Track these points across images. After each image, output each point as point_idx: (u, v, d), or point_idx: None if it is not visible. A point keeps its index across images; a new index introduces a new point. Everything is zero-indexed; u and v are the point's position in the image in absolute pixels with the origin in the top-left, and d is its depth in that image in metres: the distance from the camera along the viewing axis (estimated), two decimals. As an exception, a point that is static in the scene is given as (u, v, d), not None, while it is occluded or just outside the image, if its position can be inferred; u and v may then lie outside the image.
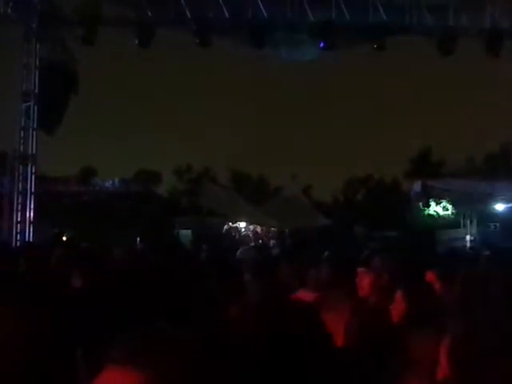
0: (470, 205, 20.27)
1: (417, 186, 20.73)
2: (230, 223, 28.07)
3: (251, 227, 27.81)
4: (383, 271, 4.97)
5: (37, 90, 14.20)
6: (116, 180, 25.44)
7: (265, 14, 14.19)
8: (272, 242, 24.40)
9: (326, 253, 6.50)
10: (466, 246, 19.13)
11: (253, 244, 21.95)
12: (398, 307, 3.37)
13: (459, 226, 20.54)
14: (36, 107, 14.23)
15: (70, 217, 21.03)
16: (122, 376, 1.00)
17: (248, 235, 27.00)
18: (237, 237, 26.41)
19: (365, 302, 4.59)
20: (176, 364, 1.02)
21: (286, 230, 25.30)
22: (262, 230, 27.35)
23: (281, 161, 46.75)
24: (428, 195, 20.02)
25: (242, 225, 28.02)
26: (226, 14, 14.13)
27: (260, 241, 25.15)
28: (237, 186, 39.43)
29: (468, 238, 19.91)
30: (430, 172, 33.85)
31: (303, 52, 15.14)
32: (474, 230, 20.07)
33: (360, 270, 5.01)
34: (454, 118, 53.18)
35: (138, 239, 20.02)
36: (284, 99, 57.19)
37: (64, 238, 17.24)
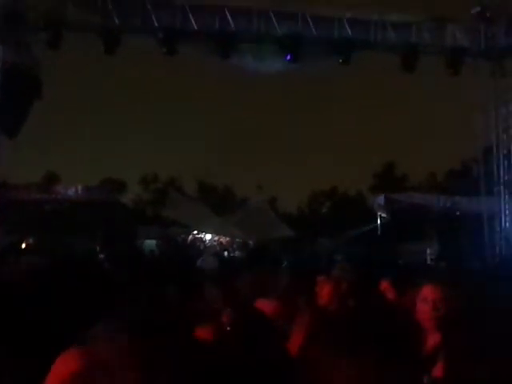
0: (431, 219, 20.72)
1: (380, 199, 21.09)
2: (195, 233, 27.96)
3: (216, 238, 27.76)
4: (343, 280, 5.03)
5: (-1, 93, 13.92)
6: (79, 187, 25.01)
7: (232, 25, 14.29)
8: (237, 252, 24.37)
9: (286, 262, 6.54)
10: (426, 259, 19.50)
11: (217, 253, 21.90)
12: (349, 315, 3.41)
13: (420, 239, 20.91)
14: (-3, 111, 13.93)
15: (31, 225, 20.59)
16: None
17: (213, 246, 26.92)
18: (201, 247, 26.29)
19: (324, 310, 4.63)
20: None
21: (251, 241, 25.33)
22: (227, 240, 27.33)
23: (247, 172, 46.96)
24: (391, 208, 20.36)
25: (208, 236, 27.94)
26: (194, 24, 14.18)
27: (225, 251, 25.09)
28: (203, 197, 39.35)
29: (428, 251, 20.29)
30: (394, 186, 34.47)
31: (269, 64, 15.29)
32: (435, 244, 20.46)
33: (320, 278, 5.05)
34: (416, 134, 54.32)
35: (98, 248, 19.70)
36: (250, 111, 57.47)
37: (23, 246, 16.83)
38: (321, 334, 2.93)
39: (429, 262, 19.22)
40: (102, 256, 9.07)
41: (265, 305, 4.29)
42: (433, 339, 2.87)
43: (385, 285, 4.62)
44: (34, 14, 13.81)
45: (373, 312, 3.17)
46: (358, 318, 3.11)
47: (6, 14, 13.70)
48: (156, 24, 14.12)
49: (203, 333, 2.72)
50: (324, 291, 4.99)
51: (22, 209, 22.52)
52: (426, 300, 2.91)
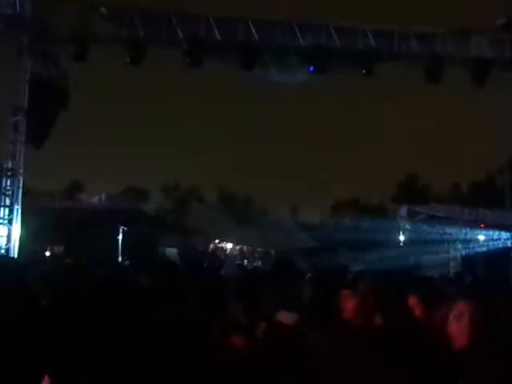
0: (455, 231, 20.48)
1: (402, 210, 20.92)
2: (217, 242, 28.07)
3: (237, 247, 27.82)
4: (368, 294, 4.99)
5: (26, 105, 14.19)
6: (103, 196, 25.34)
7: (256, 37, 14.39)
8: (258, 262, 24.39)
9: (309, 274, 6.51)
10: (449, 271, 19.26)
11: (238, 263, 21.92)
12: (377, 330, 3.40)
13: (443, 251, 20.69)
14: (25, 121, 14.21)
15: (56, 232, 20.89)
16: None
17: (234, 255, 26.99)
18: (222, 256, 26.37)
19: (347, 324, 4.61)
20: None
21: (272, 251, 25.32)
22: (247, 249, 27.37)
23: (268, 182, 46.99)
24: (413, 220, 20.19)
25: (229, 245, 28.02)
26: (218, 35, 14.31)
27: (245, 260, 25.12)
28: (224, 206, 39.46)
29: (452, 264, 20.07)
30: (416, 197, 34.14)
31: (292, 75, 15.33)
32: (458, 257, 20.23)
33: (345, 292, 5.03)
34: (440, 145, 53.86)
35: (121, 257, 19.89)
36: (273, 121, 57.60)
37: (47, 254, 17.07)
38: (354, 351, 2.93)
39: (451, 274, 18.99)
40: (126, 263, 9.14)
41: (287, 317, 4.29)
42: (464, 357, 2.84)
43: (413, 300, 4.58)
44: (62, 26, 14.09)
45: (404, 331, 3.16)
46: (390, 336, 3.11)
47: (34, 26, 14.00)
48: (181, 35, 14.28)
49: (236, 342, 2.74)
50: (349, 305, 4.97)
51: (46, 217, 22.87)
52: (461, 317, 2.87)
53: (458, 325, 2.89)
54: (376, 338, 3.26)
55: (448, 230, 20.63)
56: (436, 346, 2.97)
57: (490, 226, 19.42)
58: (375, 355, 3.06)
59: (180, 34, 14.24)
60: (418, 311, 4.41)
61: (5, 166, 14.29)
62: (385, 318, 3.52)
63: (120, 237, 22.80)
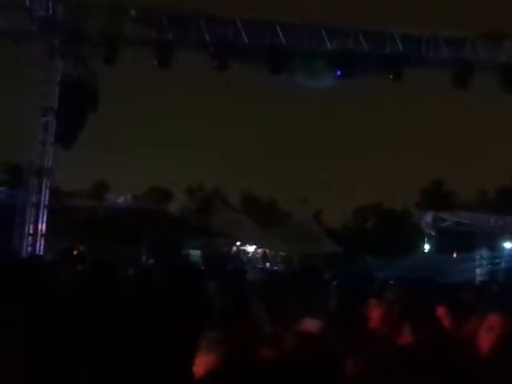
0: (481, 239, 20.19)
1: (427, 216, 20.69)
2: (239, 245, 28.10)
3: (259, 250, 27.81)
4: (394, 304, 4.95)
5: (56, 106, 14.43)
6: (128, 196, 25.60)
7: (283, 41, 14.38)
8: (280, 265, 24.34)
9: (335, 282, 6.49)
10: (475, 279, 18.98)
11: (260, 266, 21.93)
12: (405, 341, 3.37)
13: (469, 259, 20.40)
14: (55, 122, 14.45)
15: (82, 231, 21.15)
16: None
17: (256, 258, 26.98)
18: (245, 259, 26.39)
19: (373, 334, 4.58)
20: None
21: (295, 255, 25.25)
22: (270, 253, 27.34)
23: (291, 185, 46.84)
24: (438, 227, 19.95)
25: (251, 247, 28.03)
26: (245, 39, 14.34)
27: (267, 264, 25.09)
28: (247, 209, 39.50)
29: (478, 271, 19.77)
30: (441, 203, 33.71)
31: (319, 79, 15.29)
32: (485, 264, 19.92)
33: (372, 301, 5.00)
34: (466, 150, 53.08)
35: (145, 257, 20.04)
36: (297, 125, 57.45)
37: (74, 253, 17.28)
38: (383, 362, 2.91)
39: (477, 282, 18.71)
40: (150, 262, 9.22)
41: (312, 324, 4.27)
42: (492, 369, 2.80)
43: (441, 311, 4.53)
44: (92, 29, 14.30)
45: (433, 341, 3.12)
46: (419, 347, 3.08)
47: (66, 29, 14.24)
48: (208, 38, 14.35)
49: (265, 353, 2.74)
50: (375, 314, 4.94)
51: (73, 215, 23.18)
52: (492, 330, 2.84)
53: (487, 337, 2.86)
54: (405, 349, 3.24)
55: (474, 238, 20.34)
56: (465, 358, 2.94)
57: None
58: (404, 367, 3.04)
59: (207, 36, 14.32)
60: (446, 321, 4.36)
61: (34, 165, 14.54)
62: (412, 329, 3.48)
63: (144, 237, 23.02)
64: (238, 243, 28.05)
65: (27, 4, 13.47)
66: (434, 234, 20.05)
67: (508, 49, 15.22)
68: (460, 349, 3.06)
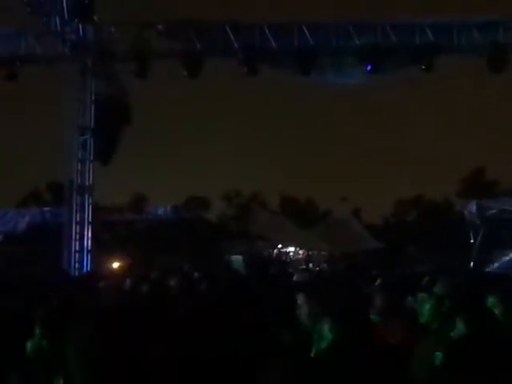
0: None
1: (471, 206, 20.22)
2: (280, 247, 28.08)
3: (301, 251, 27.72)
4: (444, 297, 4.89)
5: (92, 124, 14.78)
6: (168, 207, 25.98)
7: (311, 41, 14.36)
8: (323, 265, 24.20)
9: (379, 280, 6.44)
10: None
11: (304, 267, 21.85)
12: (458, 334, 3.32)
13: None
14: (92, 140, 14.80)
15: (125, 245, 21.56)
16: None
17: (298, 259, 26.90)
18: (287, 261, 26.35)
19: (425, 328, 4.52)
20: None
21: (337, 254, 25.05)
22: (312, 253, 27.21)
23: (329, 184, 46.58)
24: (484, 216, 19.47)
25: (292, 249, 27.97)
26: (273, 43, 14.38)
27: (310, 264, 24.99)
28: (286, 210, 39.45)
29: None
30: (484, 192, 32.91)
31: (350, 75, 15.19)
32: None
33: (420, 295, 4.94)
34: (506, 137, 51.69)
35: (186, 266, 20.21)
36: (330, 124, 57.13)
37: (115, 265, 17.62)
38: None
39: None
40: (196, 275, 9.29)
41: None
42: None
43: (492, 301, 4.45)
44: (122, 45, 14.60)
45: (487, 335, 3.06)
46: (473, 341, 3.02)
47: (96, 49, 14.60)
48: (236, 45, 14.46)
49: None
50: (425, 308, 4.88)
51: (115, 230, 23.64)
52: None
53: None
54: (460, 344, 3.18)
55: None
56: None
57: None
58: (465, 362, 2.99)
59: (235, 43, 14.42)
60: (497, 311, 4.27)
61: (75, 183, 14.90)
62: (465, 322, 3.41)
63: (185, 246, 23.26)
64: (280, 246, 28.03)
65: (58, 28, 13.85)
66: (479, 223, 19.59)
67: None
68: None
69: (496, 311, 4.18)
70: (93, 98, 14.80)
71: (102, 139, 14.79)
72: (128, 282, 6.56)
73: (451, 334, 3.43)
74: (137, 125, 16.85)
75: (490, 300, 4.50)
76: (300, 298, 4.26)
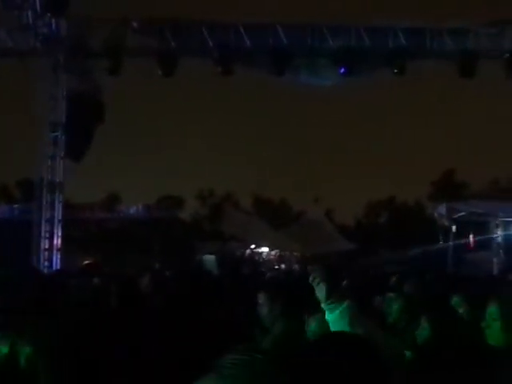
0: (496, 228, 20.04)
1: (441, 208, 20.54)
2: (253, 248, 28.13)
3: (273, 252, 27.81)
4: (412, 297, 4.97)
5: (64, 120, 14.57)
6: (140, 206, 25.78)
7: (285, 42, 14.43)
8: (295, 266, 24.33)
9: (345, 282, 6.50)
10: (492, 269, 18.85)
11: (276, 267, 21.93)
12: (422, 333, 3.38)
13: (485, 249, 20.25)
14: (64, 137, 14.59)
15: (96, 243, 21.32)
16: None
17: (270, 259, 26.99)
18: (260, 261, 26.41)
19: (393, 328, 4.59)
20: None
21: (308, 254, 25.23)
22: (284, 254, 27.34)
23: (302, 185, 46.84)
24: (453, 218, 19.80)
25: (265, 249, 28.04)
26: (248, 42, 14.40)
27: (283, 265, 25.09)
28: (259, 211, 39.56)
29: (495, 260, 19.61)
30: (454, 194, 33.53)
31: (323, 77, 15.31)
32: (501, 253, 19.76)
33: (389, 295, 5.01)
34: (475, 140, 52.75)
35: (157, 265, 20.10)
36: (304, 125, 57.47)
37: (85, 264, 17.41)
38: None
39: (495, 272, 18.57)
40: (167, 274, 9.24)
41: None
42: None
43: (456, 300, 4.54)
44: (96, 41, 14.43)
45: (450, 337, 3.12)
46: (440, 344, 3.07)
47: (69, 44, 14.39)
48: (211, 44, 14.42)
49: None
50: (393, 309, 4.95)
51: (86, 228, 23.37)
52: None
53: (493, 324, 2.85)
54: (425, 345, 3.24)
55: (489, 227, 20.18)
56: (485, 346, 2.93)
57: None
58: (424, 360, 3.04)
59: (210, 43, 14.39)
60: (461, 310, 4.37)
61: (45, 180, 14.66)
62: (429, 321, 3.48)
63: (157, 245, 23.12)
64: (252, 246, 28.09)
65: (30, 21, 13.60)
66: (448, 225, 19.92)
67: (511, 36, 15.16)
68: (477, 338, 3.06)
69: (460, 310, 4.28)
70: (65, 93, 14.59)
71: (74, 136, 14.58)
72: (97, 280, 6.49)
73: (416, 333, 3.49)
74: (111, 122, 16.70)
75: (455, 299, 4.61)
76: (261, 297, 4.30)
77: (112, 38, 14.13)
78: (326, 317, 2.52)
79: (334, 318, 2.46)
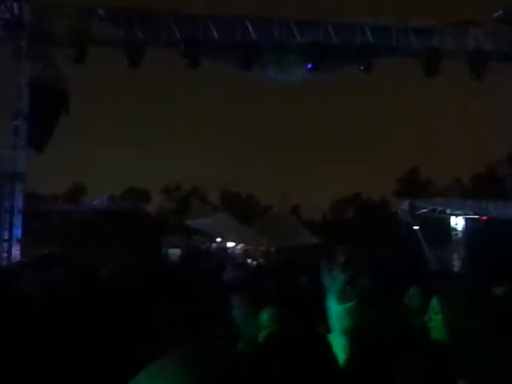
0: (457, 223, 20.51)
1: (404, 204, 20.91)
2: (219, 241, 28.09)
3: (240, 246, 27.84)
4: (365, 291, 5.04)
5: (27, 109, 14.22)
6: (104, 198, 25.41)
7: (253, 35, 14.40)
8: (261, 260, 24.40)
9: (303, 276, 6.58)
10: (453, 265, 19.29)
11: (241, 262, 21.95)
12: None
13: (447, 245, 20.69)
14: (26, 125, 14.24)
15: (58, 236, 20.93)
16: None
17: (237, 254, 27.00)
18: (225, 256, 26.37)
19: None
20: None
21: (273, 249, 25.36)
22: (250, 248, 27.38)
23: (270, 180, 46.99)
24: (415, 214, 20.18)
25: (231, 244, 28.04)
26: (215, 36, 14.33)
27: (249, 259, 25.13)
28: (226, 205, 39.51)
29: (455, 256, 20.06)
30: (418, 191, 34.14)
31: (291, 73, 15.35)
32: (462, 249, 20.23)
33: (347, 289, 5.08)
34: (440, 138, 53.83)
35: (122, 258, 19.85)
36: (273, 119, 57.59)
37: (52, 257, 17.09)
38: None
39: (456, 267, 19.00)
40: (131, 267, 9.16)
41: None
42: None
43: (413, 291, 4.65)
44: (60, 29, 14.12)
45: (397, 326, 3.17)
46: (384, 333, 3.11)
47: (32, 30, 14.04)
48: (178, 36, 14.30)
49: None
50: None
51: (49, 219, 22.93)
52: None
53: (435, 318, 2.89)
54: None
55: (450, 223, 20.63)
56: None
57: (493, 218, 19.41)
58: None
59: (178, 34, 14.26)
60: (417, 301, 4.47)
61: (6, 170, 14.32)
62: (378, 313, 3.52)
63: (121, 238, 22.85)
64: (218, 239, 28.04)
65: (-9, 6, 13.25)
66: (411, 221, 20.28)
67: (475, 37, 15.49)
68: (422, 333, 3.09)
69: (416, 301, 4.39)
70: (27, 81, 14.23)
71: (36, 126, 14.25)
72: (58, 272, 6.39)
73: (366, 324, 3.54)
74: (77, 111, 16.40)
75: (412, 291, 4.72)
76: (235, 299, 4.32)
77: (77, 25, 13.86)
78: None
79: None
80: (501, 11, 15.81)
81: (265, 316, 3.58)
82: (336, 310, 3.20)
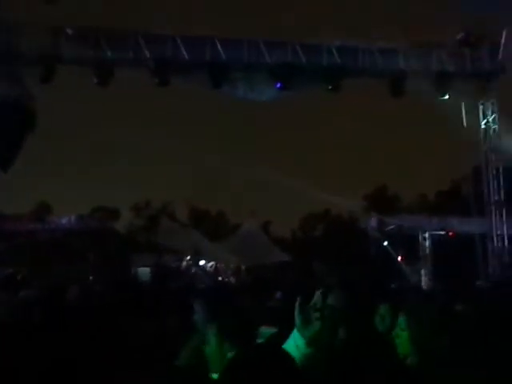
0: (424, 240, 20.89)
1: (372, 221, 21.23)
2: (188, 259, 27.90)
3: (209, 264, 27.70)
4: (335, 308, 5.08)
5: (-8, 127, 13.99)
6: (72, 217, 24.99)
7: (223, 55, 14.54)
8: (231, 278, 24.34)
9: (278, 293, 6.62)
10: (421, 280, 19.60)
11: (211, 280, 21.86)
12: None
13: (414, 260, 21.01)
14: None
15: (24, 256, 20.50)
16: None
17: (206, 272, 26.84)
18: (196, 274, 26.19)
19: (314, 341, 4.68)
20: None
21: (243, 267, 25.33)
22: (221, 266, 27.27)
23: (239, 197, 47.03)
24: (383, 231, 20.50)
25: (201, 262, 27.88)
26: (185, 55, 14.40)
27: (219, 277, 25.03)
28: (195, 222, 39.32)
29: (423, 272, 20.40)
30: (386, 207, 34.64)
31: (260, 92, 15.52)
32: (429, 265, 20.58)
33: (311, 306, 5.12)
34: (406, 156, 54.85)
35: (91, 277, 19.59)
36: (241, 136, 57.83)
37: (18, 278, 16.74)
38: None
39: (424, 283, 19.30)
40: (98, 286, 9.07)
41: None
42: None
43: (384, 308, 4.70)
44: (27, 48, 13.98)
45: (365, 345, 3.22)
46: (351, 353, 3.16)
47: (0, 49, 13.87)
48: (148, 55, 14.33)
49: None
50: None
51: (15, 239, 22.44)
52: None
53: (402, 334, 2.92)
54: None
55: (418, 240, 21.00)
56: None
57: (458, 233, 19.83)
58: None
59: (147, 53, 14.29)
60: (388, 318, 4.51)
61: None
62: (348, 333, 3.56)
63: (91, 258, 22.52)
64: (188, 258, 27.85)
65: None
66: (379, 238, 20.58)
67: (438, 57, 15.96)
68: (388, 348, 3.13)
69: (387, 318, 4.44)
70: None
71: (2, 144, 14.03)
72: (23, 293, 6.26)
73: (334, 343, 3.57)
74: (43, 130, 16.16)
75: (382, 308, 4.77)
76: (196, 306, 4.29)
77: (44, 44, 13.76)
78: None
79: None
80: (463, 33, 16.35)
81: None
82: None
